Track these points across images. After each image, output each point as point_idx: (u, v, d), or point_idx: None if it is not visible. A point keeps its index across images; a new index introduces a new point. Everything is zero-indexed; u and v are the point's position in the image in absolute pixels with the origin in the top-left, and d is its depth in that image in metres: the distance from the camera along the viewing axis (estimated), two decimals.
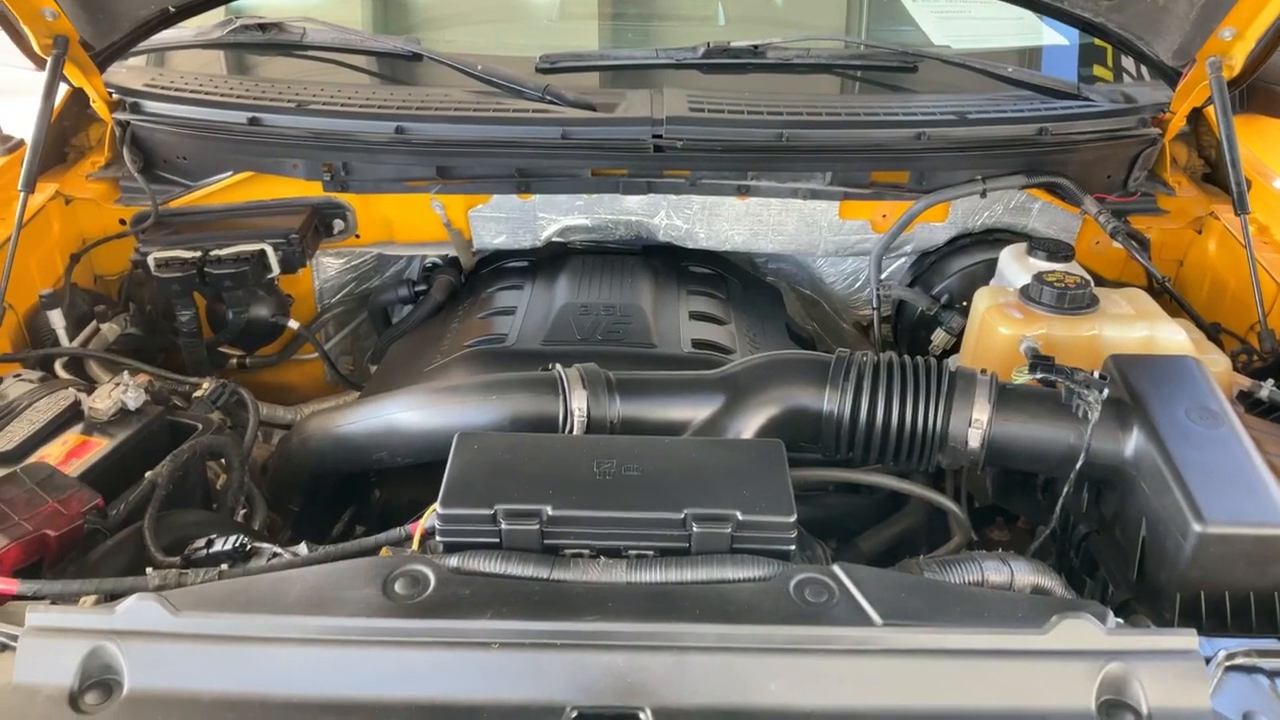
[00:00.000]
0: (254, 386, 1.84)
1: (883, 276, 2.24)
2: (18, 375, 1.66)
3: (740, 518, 1.14)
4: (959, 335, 2.03)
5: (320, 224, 2.21)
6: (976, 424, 1.42)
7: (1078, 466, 1.38)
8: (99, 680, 0.99)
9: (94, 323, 2.03)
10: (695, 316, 2.00)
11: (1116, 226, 2.09)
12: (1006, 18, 2.84)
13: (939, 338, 2.09)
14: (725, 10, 2.82)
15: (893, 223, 2.16)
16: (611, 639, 1.01)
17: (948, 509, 1.55)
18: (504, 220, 2.20)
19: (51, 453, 1.46)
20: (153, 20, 2.07)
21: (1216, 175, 2.41)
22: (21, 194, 1.90)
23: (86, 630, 1.01)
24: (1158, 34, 2.06)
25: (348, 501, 1.85)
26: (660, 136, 2.05)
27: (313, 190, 2.17)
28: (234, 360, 2.25)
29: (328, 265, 2.33)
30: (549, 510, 1.15)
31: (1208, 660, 1.05)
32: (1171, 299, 2.09)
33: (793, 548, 1.16)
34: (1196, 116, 2.35)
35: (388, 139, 2.07)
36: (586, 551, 1.15)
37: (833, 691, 1.00)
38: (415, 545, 1.21)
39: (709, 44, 2.25)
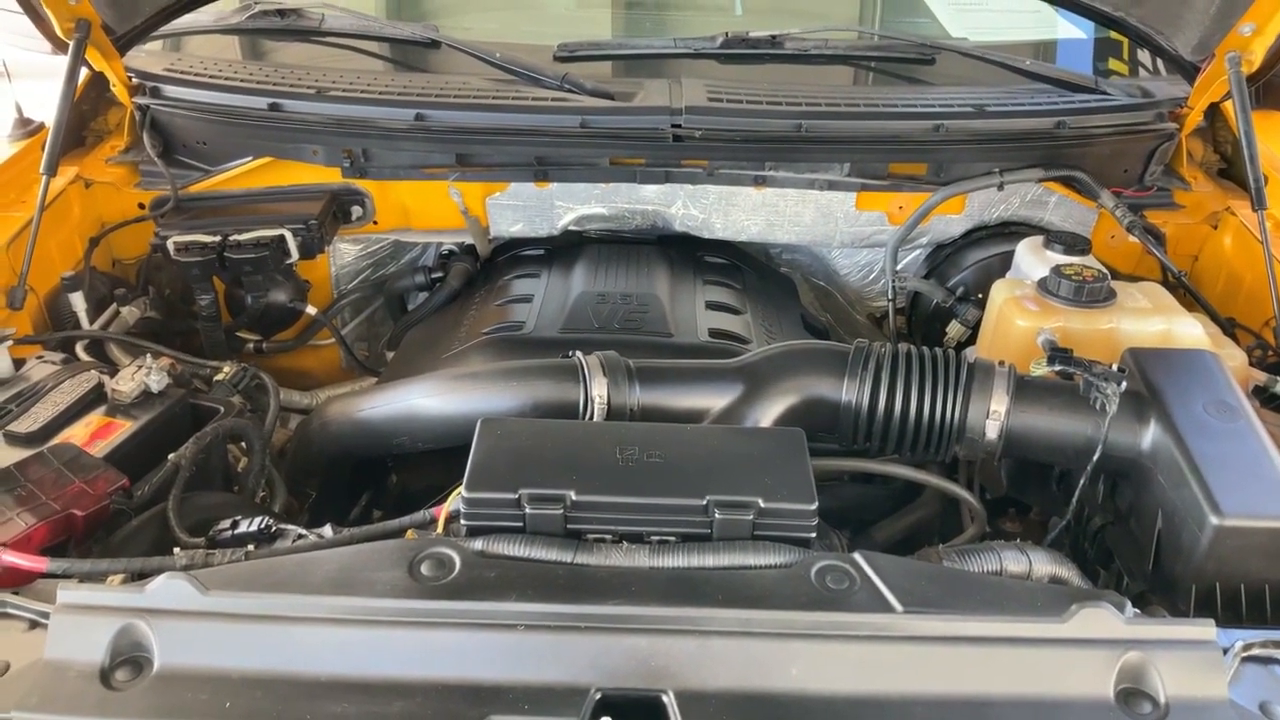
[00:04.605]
0: (270, 371, 1.85)
1: (898, 268, 2.25)
2: (40, 357, 1.68)
3: (762, 505, 1.16)
4: (974, 327, 2.03)
5: (338, 210, 2.21)
6: (994, 415, 1.42)
7: (1095, 459, 1.38)
8: (129, 657, 1.01)
9: (114, 306, 2.04)
10: (712, 306, 2.00)
11: (1133, 221, 2.09)
12: (1023, 10, 2.84)
13: (954, 330, 2.09)
14: (743, 0, 2.82)
15: (909, 214, 2.16)
16: (635, 622, 1.02)
17: (965, 500, 1.56)
18: (521, 208, 2.21)
19: (75, 434, 1.47)
20: (174, 4, 2.07)
21: (1232, 170, 2.41)
22: (44, 177, 1.91)
23: (117, 608, 1.02)
24: (1177, 29, 2.06)
25: (364, 486, 1.86)
26: (679, 126, 2.05)
27: (331, 176, 2.18)
28: (250, 345, 2.26)
29: (345, 251, 2.34)
30: (572, 495, 1.16)
31: (1225, 651, 1.06)
32: (1187, 293, 2.09)
33: (813, 535, 1.17)
34: (1213, 112, 2.35)
35: (407, 126, 2.07)
36: (609, 536, 1.17)
37: (853, 677, 1.01)
38: (440, 528, 1.22)
39: (727, 34, 2.26)
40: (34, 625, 1.08)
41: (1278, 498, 1.26)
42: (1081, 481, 1.42)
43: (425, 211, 2.24)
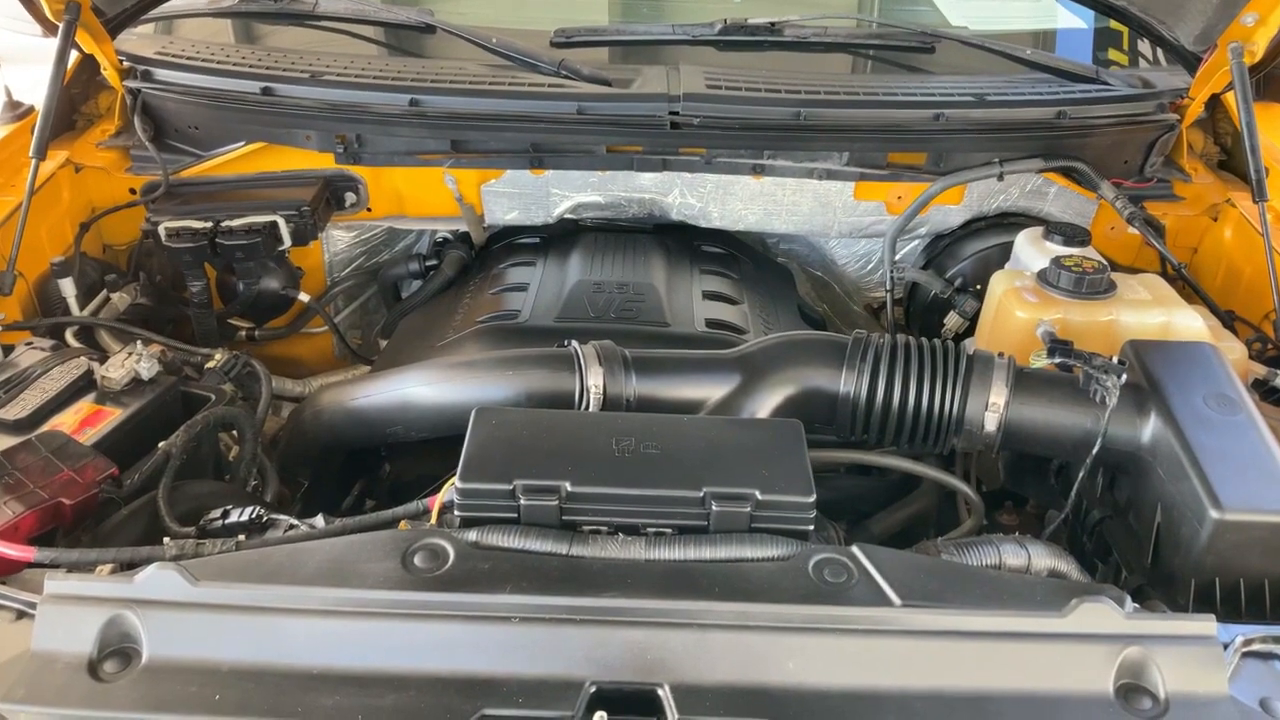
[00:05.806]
0: (262, 359, 1.83)
1: (896, 259, 2.23)
2: (29, 343, 1.65)
3: (759, 497, 1.14)
4: (972, 319, 2.02)
5: (332, 196, 2.19)
6: (993, 408, 1.41)
7: (1094, 451, 1.37)
8: (118, 649, 0.99)
9: (104, 292, 2.02)
10: (709, 296, 1.99)
11: (1133, 212, 2.08)
12: None
13: (952, 321, 2.08)
14: None
15: (908, 204, 2.15)
16: (631, 615, 1.01)
17: (963, 493, 1.55)
18: (517, 196, 2.19)
19: (64, 421, 1.46)
20: None
21: (1232, 162, 2.40)
22: (33, 161, 1.89)
23: (105, 599, 1.01)
24: (1179, 18, 2.05)
25: (357, 475, 1.85)
26: (677, 113, 2.04)
27: (324, 162, 2.16)
28: (243, 332, 2.24)
29: (338, 238, 2.32)
30: (568, 486, 1.14)
31: (1225, 646, 1.05)
32: (1187, 285, 2.08)
33: (811, 528, 1.16)
34: (1214, 103, 2.34)
35: (402, 111, 2.05)
36: (605, 528, 1.15)
37: (851, 671, 1.00)
38: (434, 519, 1.21)
39: (726, 21, 2.24)
40: (21, 616, 1.07)
41: (1278, 492, 1.25)
42: (1080, 474, 1.41)
43: (420, 198, 2.23)
